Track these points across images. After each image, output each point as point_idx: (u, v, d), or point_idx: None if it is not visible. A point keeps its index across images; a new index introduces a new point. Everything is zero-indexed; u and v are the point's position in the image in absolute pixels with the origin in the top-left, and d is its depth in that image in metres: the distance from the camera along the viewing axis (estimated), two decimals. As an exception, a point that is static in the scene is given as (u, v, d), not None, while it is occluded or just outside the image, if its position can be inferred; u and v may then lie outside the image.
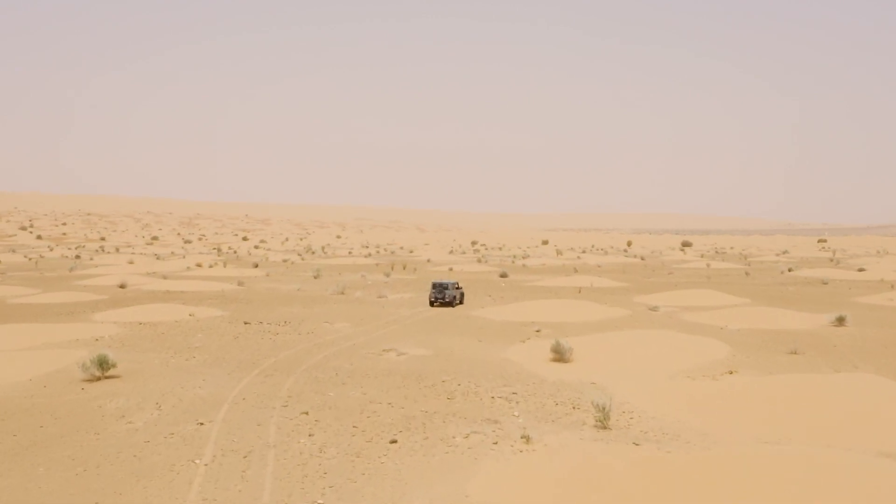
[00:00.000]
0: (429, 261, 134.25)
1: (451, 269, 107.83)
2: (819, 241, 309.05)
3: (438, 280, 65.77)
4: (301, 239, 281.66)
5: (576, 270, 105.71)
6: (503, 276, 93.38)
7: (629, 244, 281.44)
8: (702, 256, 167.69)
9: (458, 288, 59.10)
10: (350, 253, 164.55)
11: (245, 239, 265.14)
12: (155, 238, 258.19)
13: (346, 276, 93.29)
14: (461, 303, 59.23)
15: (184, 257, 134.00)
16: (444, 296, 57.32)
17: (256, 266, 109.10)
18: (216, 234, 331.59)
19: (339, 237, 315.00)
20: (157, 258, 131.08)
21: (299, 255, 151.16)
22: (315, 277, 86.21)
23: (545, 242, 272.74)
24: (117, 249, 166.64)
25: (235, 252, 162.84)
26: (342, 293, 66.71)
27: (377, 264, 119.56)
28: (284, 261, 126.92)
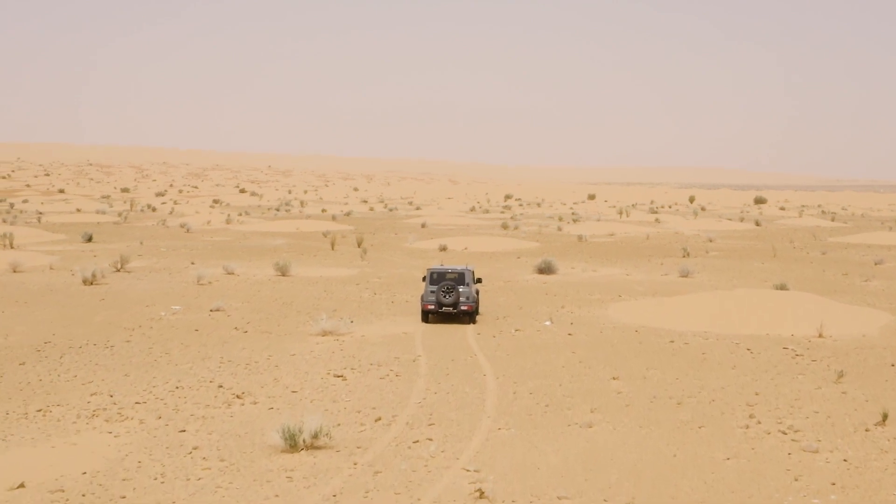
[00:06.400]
0: (423, 226, 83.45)
1: (443, 249, 57.15)
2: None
3: (440, 266, 26.34)
4: (305, 192, 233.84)
5: (687, 254, 54.16)
6: (543, 271, 42.67)
7: (692, 200, 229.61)
8: (824, 216, 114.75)
9: (476, 282, 27.07)
10: (324, 211, 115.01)
11: (242, 191, 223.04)
12: (125, 190, 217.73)
13: (236, 261, 43.25)
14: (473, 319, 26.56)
15: (40, 218, 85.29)
16: (457, 300, 25.35)
17: (90, 240, 59.53)
18: (217, 186, 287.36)
19: (356, 189, 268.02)
20: (4, 222, 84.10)
21: (246, 213, 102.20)
22: (81, 284, 35.75)
23: (592, 197, 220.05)
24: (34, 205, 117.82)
25: (154, 209, 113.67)
26: None
27: (326, 233, 68.92)
28: (182, 226, 77.35)
